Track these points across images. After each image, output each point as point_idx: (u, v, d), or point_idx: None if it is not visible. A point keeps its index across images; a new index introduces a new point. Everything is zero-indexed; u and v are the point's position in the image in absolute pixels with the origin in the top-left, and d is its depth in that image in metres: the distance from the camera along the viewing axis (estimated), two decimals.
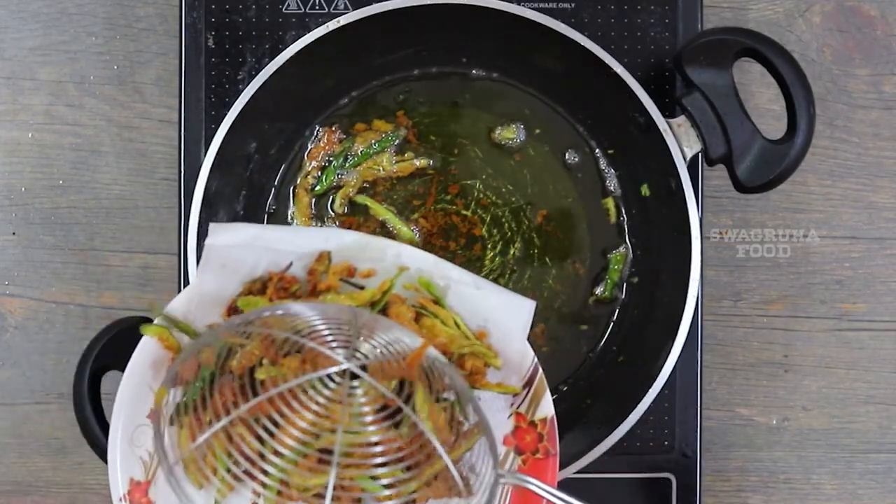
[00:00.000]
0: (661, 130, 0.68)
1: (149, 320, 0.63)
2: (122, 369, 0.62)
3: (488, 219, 0.76)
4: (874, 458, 0.81)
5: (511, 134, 0.76)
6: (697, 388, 0.75)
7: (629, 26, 0.75)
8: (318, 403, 0.55)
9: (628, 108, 0.70)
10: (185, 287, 0.67)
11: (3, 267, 0.80)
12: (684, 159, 0.69)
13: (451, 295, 0.64)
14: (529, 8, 0.69)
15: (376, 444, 0.55)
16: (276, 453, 0.56)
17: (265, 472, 0.56)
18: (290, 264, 0.63)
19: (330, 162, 0.75)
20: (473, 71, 0.76)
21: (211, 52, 0.74)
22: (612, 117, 0.73)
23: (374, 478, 0.57)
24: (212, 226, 0.63)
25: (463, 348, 0.62)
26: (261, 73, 0.69)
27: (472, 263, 0.75)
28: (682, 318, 0.68)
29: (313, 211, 0.75)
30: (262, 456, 0.56)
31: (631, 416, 0.68)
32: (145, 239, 0.80)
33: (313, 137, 0.76)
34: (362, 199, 0.75)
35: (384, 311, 0.63)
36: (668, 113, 0.70)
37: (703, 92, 0.68)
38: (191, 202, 0.69)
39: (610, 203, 0.76)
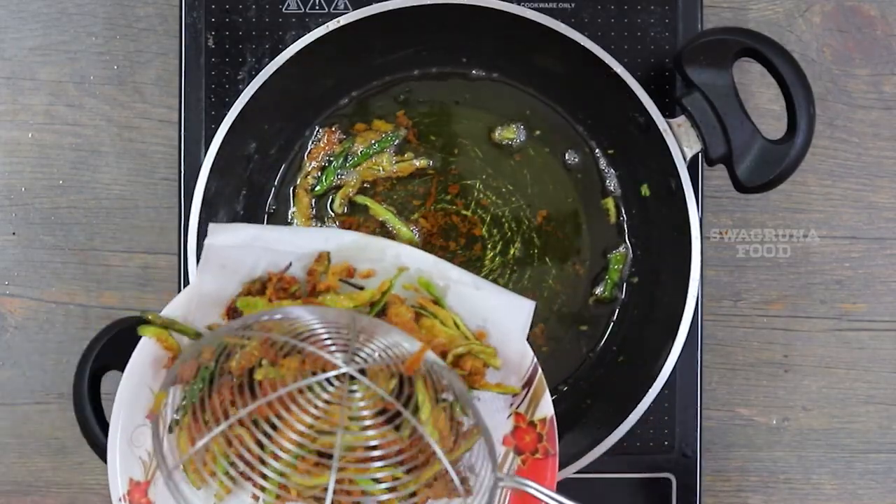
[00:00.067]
0: (661, 130, 0.68)
1: (148, 321, 0.63)
2: (122, 369, 0.62)
3: (488, 219, 0.76)
4: (874, 458, 0.81)
5: (511, 134, 0.76)
6: (697, 388, 0.75)
7: (629, 26, 0.75)
8: (317, 407, 0.55)
9: (628, 108, 0.70)
10: (184, 287, 0.67)
11: (3, 267, 0.80)
12: (684, 159, 0.69)
13: (450, 295, 0.64)
14: (529, 8, 0.69)
15: (375, 447, 0.55)
16: (275, 455, 0.56)
17: (264, 475, 0.56)
18: (290, 265, 0.63)
19: (330, 162, 0.75)
20: (473, 71, 0.76)
21: (211, 52, 0.74)
22: (612, 117, 0.73)
23: (374, 480, 0.57)
24: (211, 226, 0.63)
25: (462, 348, 0.62)
26: (261, 73, 0.69)
27: (472, 263, 0.75)
28: (682, 318, 0.68)
29: (313, 211, 0.75)
30: (261, 458, 0.56)
31: (631, 416, 0.68)
32: (145, 239, 0.80)
33: (313, 137, 0.76)
34: (362, 199, 0.75)
35: (383, 312, 0.63)
36: (668, 113, 0.70)
37: (703, 92, 0.68)
38: (191, 202, 0.69)
39: (610, 203, 0.76)
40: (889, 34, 0.81)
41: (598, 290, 0.76)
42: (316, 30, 0.69)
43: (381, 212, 0.75)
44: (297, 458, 0.56)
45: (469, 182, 0.76)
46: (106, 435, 0.63)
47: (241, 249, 0.63)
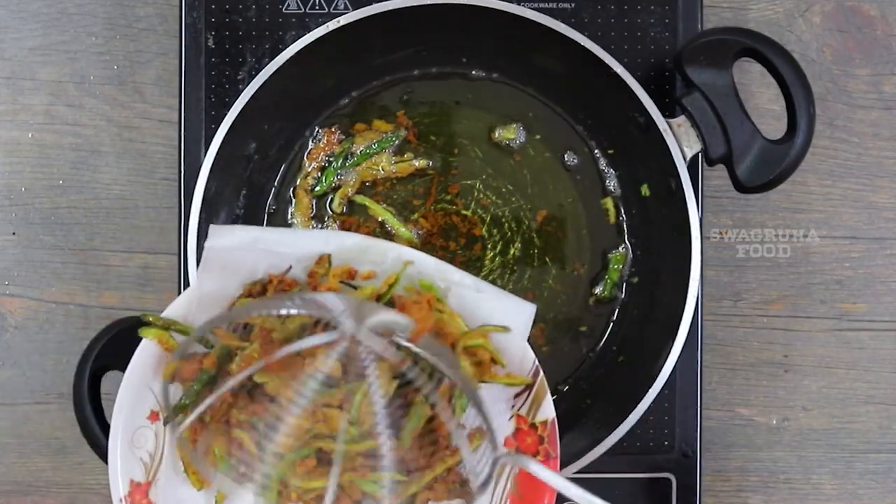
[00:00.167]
0: (661, 130, 0.68)
1: (148, 322, 0.63)
2: (122, 369, 0.62)
3: (488, 219, 0.76)
4: (874, 458, 0.81)
5: (511, 134, 0.76)
6: (697, 388, 0.75)
7: (629, 26, 0.75)
8: (316, 408, 0.55)
9: (628, 108, 0.70)
10: (185, 287, 0.67)
11: (3, 267, 0.80)
12: (684, 159, 0.69)
13: (451, 297, 0.64)
14: (529, 8, 0.69)
15: (374, 450, 0.55)
16: (275, 456, 0.56)
17: (264, 475, 0.56)
18: (290, 267, 0.63)
19: (330, 162, 0.75)
20: (473, 71, 0.76)
21: (211, 52, 0.74)
22: (612, 117, 0.73)
23: (374, 481, 0.57)
24: (212, 228, 0.63)
25: (472, 340, 0.62)
26: (261, 73, 0.69)
27: (472, 263, 0.75)
28: (682, 318, 0.68)
29: (313, 211, 0.75)
30: (261, 459, 0.56)
31: (631, 416, 0.68)
32: (145, 239, 0.80)
33: (313, 138, 0.76)
34: (361, 198, 0.75)
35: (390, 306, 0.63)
36: (668, 113, 0.70)
37: (703, 92, 0.68)
38: (191, 202, 0.69)
39: (610, 203, 0.76)
40: (889, 34, 0.81)
41: (598, 290, 0.76)
42: (316, 30, 0.69)
43: (380, 212, 0.75)
44: (296, 459, 0.56)
45: (469, 182, 0.76)
46: (106, 435, 0.63)
47: (241, 251, 0.63)
